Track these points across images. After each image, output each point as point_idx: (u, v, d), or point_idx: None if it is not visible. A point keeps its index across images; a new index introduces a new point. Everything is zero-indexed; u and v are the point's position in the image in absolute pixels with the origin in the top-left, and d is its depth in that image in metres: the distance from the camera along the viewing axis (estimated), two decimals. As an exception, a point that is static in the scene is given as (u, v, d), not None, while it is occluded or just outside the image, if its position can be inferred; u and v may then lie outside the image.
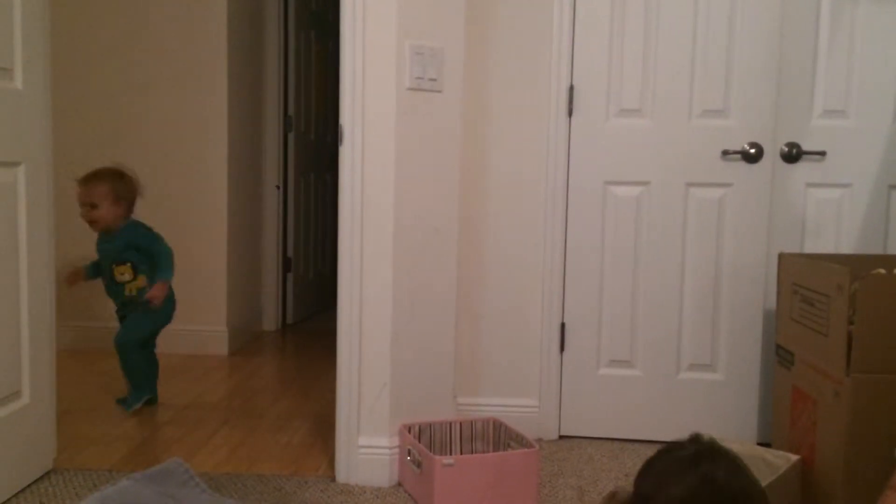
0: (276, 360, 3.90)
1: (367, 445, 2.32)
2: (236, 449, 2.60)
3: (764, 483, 1.96)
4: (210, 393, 3.24)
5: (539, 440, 2.69)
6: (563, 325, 2.76)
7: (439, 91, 2.37)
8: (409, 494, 2.26)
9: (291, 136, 4.48)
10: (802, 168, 2.64)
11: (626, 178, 2.71)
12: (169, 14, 3.73)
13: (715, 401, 2.71)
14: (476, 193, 2.72)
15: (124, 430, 2.75)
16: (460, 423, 2.41)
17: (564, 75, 2.68)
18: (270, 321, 4.42)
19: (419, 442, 2.27)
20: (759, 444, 2.61)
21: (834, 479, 2.00)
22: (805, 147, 2.63)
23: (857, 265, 2.18)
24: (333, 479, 2.35)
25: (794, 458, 2.11)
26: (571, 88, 2.68)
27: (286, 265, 4.51)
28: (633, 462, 2.56)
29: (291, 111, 4.47)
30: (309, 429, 2.80)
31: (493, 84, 2.71)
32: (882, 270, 2.28)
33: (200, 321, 3.79)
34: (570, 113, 2.69)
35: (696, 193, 2.68)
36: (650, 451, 2.59)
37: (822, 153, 2.62)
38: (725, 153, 2.63)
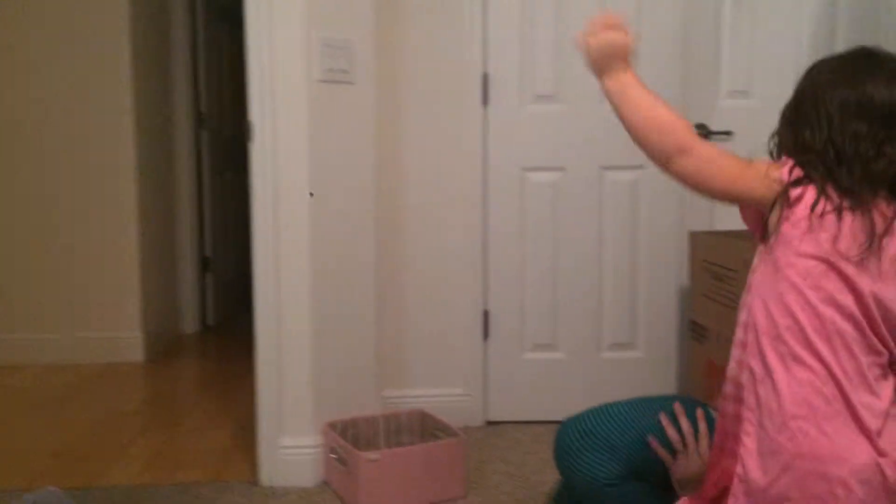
0: (195, 364, 3.78)
1: (290, 446, 2.27)
2: (154, 459, 2.50)
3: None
4: (125, 402, 3.11)
5: (466, 428, 2.69)
6: (486, 313, 2.76)
7: (351, 83, 2.33)
8: (336, 493, 2.22)
9: (205, 134, 4.35)
10: (710, 148, 2.70)
11: (543, 164, 2.72)
12: (65, 7, 3.55)
13: (636, 378, 2.76)
14: (394, 184, 2.69)
15: (30, 443, 2.61)
16: (386, 417, 2.38)
17: (478, 63, 2.67)
18: (190, 324, 4.29)
19: (344, 439, 2.24)
20: (680, 419, 2.68)
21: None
22: (713, 127, 2.69)
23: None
24: (256, 482, 2.29)
25: (712, 430, 2.16)
26: (486, 76, 2.68)
27: (204, 265, 4.38)
28: (560, 445, 2.58)
29: (204, 108, 4.34)
30: (231, 433, 2.72)
31: (407, 74, 2.68)
32: (787, 244, 2.37)
33: (113, 327, 3.64)
34: (485, 101, 2.69)
35: (610, 177, 2.72)
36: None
37: (729, 133, 2.69)
38: (637, 136, 2.67)
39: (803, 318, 1.09)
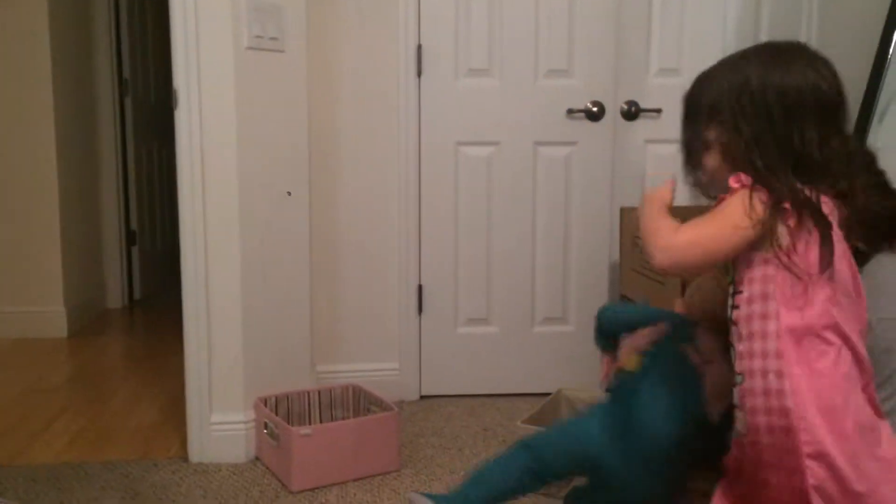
0: (122, 340, 3.68)
1: (220, 422, 2.24)
2: (78, 436, 2.43)
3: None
4: (47, 378, 3.01)
5: (400, 402, 2.70)
6: (420, 287, 2.76)
7: (281, 51, 2.27)
8: (268, 468, 2.20)
9: (129, 101, 4.19)
10: (641, 125, 2.75)
11: (477, 139, 2.72)
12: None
13: (568, 352, 2.81)
14: (327, 156, 2.65)
15: (-53, 425, 2.51)
16: (319, 392, 2.37)
17: (412, 35, 2.64)
18: (115, 298, 4.16)
19: (276, 414, 2.22)
20: (609, 390, 2.75)
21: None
22: (643, 105, 2.74)
23: (689, 216, 2.31)
24: (186, 459, 2.25)
25: (639, 401, 2.23)
26: (420, 48, 2.65)
27: (130, 238, 4.25)
28: (492, 417, 2.62)
29: (127, 74, 4.17)
30: (160, 409, 2.67)
31: (341, 43, 2.63)
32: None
33: (33, 302, 3.51)
34: (419, 73, 2.66)
35: (543, 152, 2.74)
36: (508, 405, 2.70)
37: (658, 110, 2.74)
38: (570, 112, 2.69)
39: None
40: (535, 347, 2.82)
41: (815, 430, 1.08)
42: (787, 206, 1.11)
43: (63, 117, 3.56)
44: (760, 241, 1.14)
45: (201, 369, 2.22)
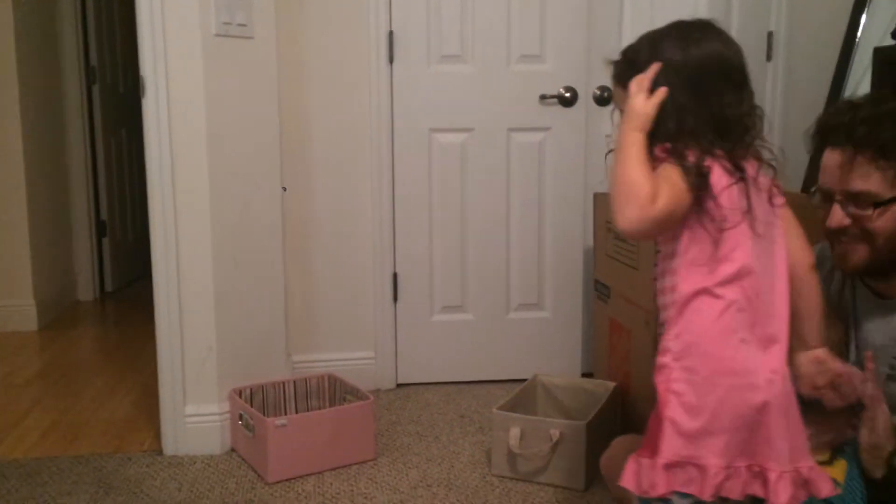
0: (94, 332, 3.63)
1: (194, 414, 2.22)
2: (50, 430, 2.40)
3: (590, 414, 2.08)
4: (17, 373, 2.96)
5: (377, 391, 2.70)
6: (395, 275, 2.75)
7: (250, 37, 2.24)
8: (244, 459, 2.19)
9: (96, 89, 4.12)
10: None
11: (451, 125, 2.71)
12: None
13: (543, 337, 2.83)
14: (299, 144, 2.62)
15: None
16: (294, 382, 2.36)
17: (383, 21, 2.62)
18: (86, 290, 4.10)
19: (251, 405, 2.20)
20: (584, 374, 2.77)
21: (647, 401, 2.14)
22: (616, 90, 2.74)
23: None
24: (160, 452, 2.23)
25: (612, 385, 2.24)
26: (391, 34, 2.63)
27: (100, 229, 4.19)
28: (469, 403, 2.63)
29: (94, 61, 4.10)
30: (133, 402, 2.64)
31: (311, 30, 2.60)
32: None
33: (2, 295, 3.45)
34: (391, 59, 2.64)
35: (517, 138, 2.74)
36: (484, 392, 2.71)
37: (631, 96, 2.74)
38: (543, 98, 2.69)
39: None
40: (511, 334, 2.82)
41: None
42: (709, 164, 1.13)
43: (29, 107, 3.49)
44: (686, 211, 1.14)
45: (174, 361, 2.20)
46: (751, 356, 1.10)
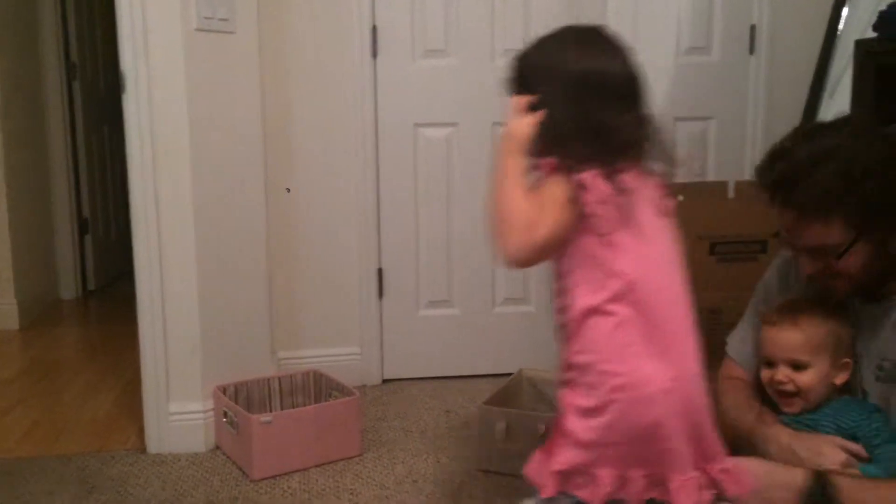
0: (76, 331, 3.60)
1: (178, 412, 2.20)
2: (32, 430, 2.38)
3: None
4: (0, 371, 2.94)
5: (363, 387, 2.69)
6: (380, 271, 2.74)
7: (232, 32, 2.22)
8: (228, 457, 2.18)
9: (77, 86, 4.07)
10: (598, 105, 2.75)
11: (435, 120, 2.70)
12: None
13: (529, 332, 2.82)
14: (283, 140, 2.60)
15: None
16: (279, 379, 2.35)
17: (367, 15, 2.60)
18: (69, 289, 4.05)
19: (235, 402, 2.19)
20: (570, 369, 2.77)
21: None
22: (600, 84, 2.73)
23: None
24: (144, 450, 2.21)
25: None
26: (374, 29, 2.61)
27: (82, 226, 4.15)
28: (455, 399, 2.63)
29: (75, 58, 4.05)
30: (116, 401, 2.62)
31: (293, 24, 2.58)
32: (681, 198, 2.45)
33: (-17, 294, 3.41)
34: (374, 54, 2.63)
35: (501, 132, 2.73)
36: (471, 387, 2.70)
37: (615, 90, 2.74)
38: (527, 92, 2.68)
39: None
40: (497, 328, 2.82)
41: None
42: (588, 179, 1.11)
43: (9, 104, 3.45)
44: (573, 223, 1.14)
45: (157, 358, 2.18)
46: (647, 368, 1.09)
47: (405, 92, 2.66)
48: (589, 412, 1.10)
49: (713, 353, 2.09)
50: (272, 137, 2.50)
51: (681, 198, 2.56)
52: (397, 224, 2.73)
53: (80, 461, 2.15)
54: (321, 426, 2.12)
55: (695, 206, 2.24)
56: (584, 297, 1.12)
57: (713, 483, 1.12)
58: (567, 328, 1.15)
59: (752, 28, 2.76)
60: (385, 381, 2.79)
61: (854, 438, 1.28)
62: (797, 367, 1.31)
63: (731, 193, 2.64)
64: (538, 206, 1.12)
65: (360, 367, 2.75)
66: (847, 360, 1.32)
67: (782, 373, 1.32)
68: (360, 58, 2.61)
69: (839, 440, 1.28)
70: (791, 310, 1.34)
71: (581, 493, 1.11)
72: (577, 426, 1.11)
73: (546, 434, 1.96)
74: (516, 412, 2.12)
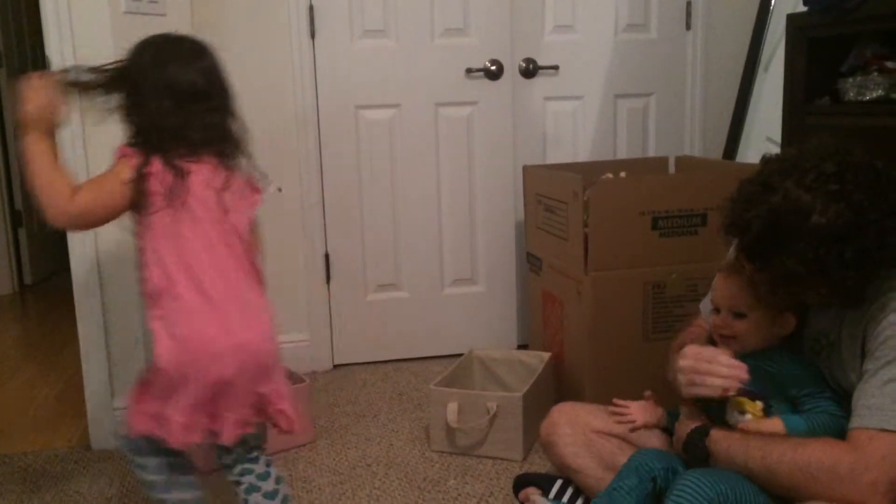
0: (13, 327, 3.48)
1: (124, 407, 2.13)
2: (-31, 432, 2.30)
3: (525, 386, 2.10)
4: (-68, 374, 2.83)
5: (313, 373, 2.67)
6: (327, 255, 2.72)
7: (163, 14, 2.16)
8: (177, 449, 2.14)
9: (3, 74, 3.91)
10: (539, 82, 2.77)
11: (377, 102, 2.68)
12: None
13: (478, 312, 2.84)
14: (221, 125, 2.54)
15: None
16: (227, 368, 2.31)
17: (302, -6, 2.56)
18: (4, 284, 3.92)
19: (182, 394, 2.15)
20: (520, 346, 2.80)
21: (581, 369, 2.19)
22: (540, 62, 2.75)
23: (589, 172, 2.35)
24: (89, 447, 2.16)
25: (547, 355, 2.27)
26: (311, 8, 2.57)
27: (16, 219, 4.00)
28: (406, 381, 2.63)
29: (0, 45, 3.89)
30: (58, 397, 2.55)
31: (228, 5, 2.51)
32: (610, 175, 2.48)
33: (-90, 293, 3.27)
34: (312, 34, 2.58)
35: (444, 113, 2.72)
36: (422, 368, 2.71)
37: (556, 67, 2.76)
38: (469, 71, 2.68)
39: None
40: (446, 310, 2.83)
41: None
42: (153, 169, 1.34)
43: (-72, 93, 3.29)
44: (138, 202, 1.35)
45: (99, 352, 2.13)
46: (217, 339, 1.33)
47: (345, 73, 2.63)
48: (168, 371, 1.33)
49: (661, 325, 2.14)
50: (210, 123, 2.44)
51: (623, 174, 2.62)
52: (342, 208, 2.70)
53: (23, 460, 2.09)
54: (271, 414, 2.09)
55: (637, 181, 2.27)
56: (157, 277, 1.34)
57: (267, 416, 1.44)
58: (149, 298, 1.36)
59: (689, 4, 2.80)
60: (336, 367, 2.78)
61: (779, 385, 1.37)
62: (737, 314, 1.40)
63: (671, 168, 2.69)
64: (94, 182, 1.36)
65: (310, 354, 2.73)
66: (790, 315, 1.38)
67: (721, 318, 1.42)
68: (298, 38, 2.57)
69: (735, 362, 1.36)
70: (740, 263, 1.40)
71: (159, 433, 1.36)
72: (159, 382, 1.34)
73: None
74: (468, 392, 2.13)
